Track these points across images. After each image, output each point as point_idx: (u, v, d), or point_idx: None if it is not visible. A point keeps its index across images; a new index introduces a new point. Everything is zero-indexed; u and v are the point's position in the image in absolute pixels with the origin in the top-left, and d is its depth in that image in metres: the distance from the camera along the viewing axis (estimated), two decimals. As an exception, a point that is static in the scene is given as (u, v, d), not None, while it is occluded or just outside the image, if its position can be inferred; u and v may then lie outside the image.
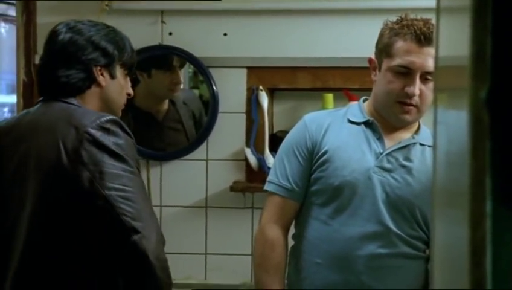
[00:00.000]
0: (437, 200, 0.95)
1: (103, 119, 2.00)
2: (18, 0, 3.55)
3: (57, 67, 2.08)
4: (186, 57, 3.39)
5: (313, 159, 2.30)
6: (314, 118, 2.37)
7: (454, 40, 0.81)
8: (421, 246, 2.25)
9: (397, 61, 2.19)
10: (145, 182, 3.43)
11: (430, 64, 2.16)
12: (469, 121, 0.67)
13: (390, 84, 2.22)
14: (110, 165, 1.97)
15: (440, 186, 0.92)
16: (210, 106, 3.40)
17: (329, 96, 3.26)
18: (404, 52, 2.18)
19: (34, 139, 2.03)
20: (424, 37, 2.15)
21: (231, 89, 3.40)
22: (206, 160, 3.42)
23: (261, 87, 3.35)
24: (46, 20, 3.45)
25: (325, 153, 2.27)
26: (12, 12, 4.15)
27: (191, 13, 3.38)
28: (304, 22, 3.34)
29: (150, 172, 3.44)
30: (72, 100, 2.09)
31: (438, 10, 0.96)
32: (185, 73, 3.52)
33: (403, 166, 2.24)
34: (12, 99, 4.01)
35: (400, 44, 2.19)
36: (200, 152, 3.42)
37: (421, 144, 2.28)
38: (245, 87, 3.39)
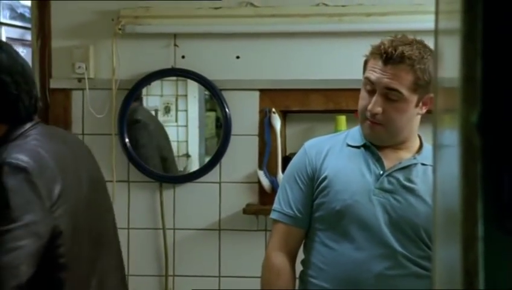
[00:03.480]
0: (438, 221, 0.95)
1: None
2: (33, 25, 3.59)
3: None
4: (199, 80, 3.41)
5: (314, 185, 2.31)
6: (314, 144, 2.39)
7: (452, 62, 0.81)
8: (429, 265, 2.24)
9: (364, 76, 2.25)
10: (159, 204, 3.44)
11: (391, 82, 2.18)
12: (460, 145, 0.67)
13: (360, 100, 2.28)
14: None
15: (440, 207, 0.92)
16: (223, 128, 3.41)
17: (342, 118, 3.26)
18: (370, 68, 2.23)
19: (86, 159, 2.18)
20: (387, 56, 2.18)
21: (244, 112, 3.41)
22: (219, 182, 3.43)
23: (273, 109, 3.36)
24: (61, 45, 3.49)
25: (325, 178, 2.28)
26: (29, 36, 4.20)
27: (204, 36, 3.40)
28: (316, 44, 3.35)
29: (163, 195, 3.45)
30: None
31: (436, 31, 0.96)
32: (200, 95, 3.53)
33: (404, 187, 2.24)
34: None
35: (369, 62, 2.25)
36: (213, 175, 3.43)
37: (422, 164, 2.28)
38: (258, 110, 3.40)
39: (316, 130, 3.35)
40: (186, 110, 3.59)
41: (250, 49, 3.39)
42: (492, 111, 0.66)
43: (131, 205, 3.45)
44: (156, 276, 3.47)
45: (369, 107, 2.21)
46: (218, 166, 3.43)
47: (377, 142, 2.29)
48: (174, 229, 3.45)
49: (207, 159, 3.47)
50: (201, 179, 3.44)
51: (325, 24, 3.33)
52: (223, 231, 3.42)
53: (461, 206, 0.67)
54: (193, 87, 3.48)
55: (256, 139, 3.41)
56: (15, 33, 5.06)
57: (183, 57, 3.42)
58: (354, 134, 2.36)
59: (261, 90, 3.40)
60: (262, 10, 3.36)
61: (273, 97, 3.40)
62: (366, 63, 2.27)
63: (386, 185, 2.24)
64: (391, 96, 2.19)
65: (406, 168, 2.26)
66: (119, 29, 3.37)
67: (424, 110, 2.26)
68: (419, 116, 2.29)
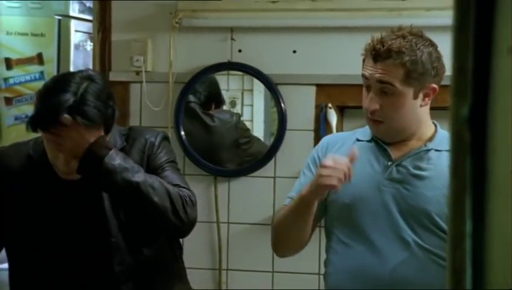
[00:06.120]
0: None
1: None
2: (95, 19, 3.64)
3: None
4: (255, 74, 3.41)
5: None
6: (330, 139, 2.43)
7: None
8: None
9: (361, 73, 2.23)
10: (213, 198, 3.46)
11: (382, 76, 2.15)
12: (451, 139, 0.65)
13: (363, 99, 2.25)
14: None
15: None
16: (278, 123, 3.40)
17: (398, 114, 3.22)
18: (364, 66, 2.22)
19: None
20: (376, 53, 2.16)
21: (299, 107, 3.40)
22: (274, 177, 3.43)
23: (329, 104, 3.34)
24: (120, 38, 3.54)
25: None
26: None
27: (260, 30, 3.40)
28: (373, 39, 3.31)
29: (217, 188, 3.46)
30: None
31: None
32: (266, 90, 3.50)
33: (414, 175, 2.20)
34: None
35: (365, 60, 2.22)
36: (267, 169, 3.42)
37: (436, 150, 2.23)
38: (314, 105, 3.39)
39: (372, 126, 3.31)
40: (251, 105, 3.60)
41: (307, 44, 3.38)
42: (483, 105, 0.64)
43: (186, 197, 3.47)
44: (210, 269, 3.49)
45: (366, 104, 2.19)
46: (273, 161, 3.43)
47: (385, 139, 2.26)
48: (228, 223, 3.46)
49: (272, 154, 3.47)
50: (256, 173, 3.44)
51: (384, 18, 3.28)
52: (277, 226, 3.41)
53: (450, 202, 0.65)
54: (259, 82, 3.48)
55: (312, 134, 3.39)
56: (84, 27, 5.15)
57: (239, 50, 3.43)
58: (365, 130, 2.34)
59: (318, 85, 3.38)
60: (319, 4, 3.33)
61: (329, 92, 3.38)
62: (363, 61, 2.25)
63: (395, 175, 2.21)
64: (385, 90, 2.16)
65: (416, 156, 2.22)
66: (177, 22, 3.39)
67: (427, 102, 2.22)
68: (425, 108, 2.24)
